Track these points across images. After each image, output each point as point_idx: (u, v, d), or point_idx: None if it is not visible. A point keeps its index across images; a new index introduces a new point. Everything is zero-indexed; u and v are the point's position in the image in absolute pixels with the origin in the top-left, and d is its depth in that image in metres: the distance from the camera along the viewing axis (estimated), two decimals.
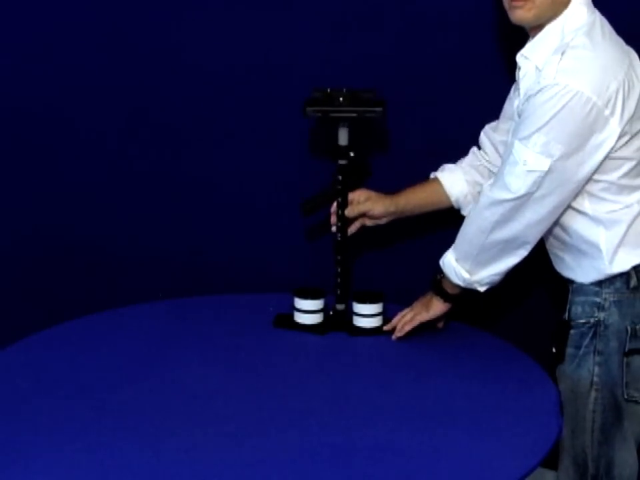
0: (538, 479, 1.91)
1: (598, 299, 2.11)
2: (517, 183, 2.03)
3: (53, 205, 2.70)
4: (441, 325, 2.32)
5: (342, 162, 2.35)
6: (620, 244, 2.08)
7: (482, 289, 2.18)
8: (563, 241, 2.15)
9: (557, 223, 2.11)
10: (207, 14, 2.54)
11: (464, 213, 2.34)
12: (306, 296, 2.35)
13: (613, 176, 2.05)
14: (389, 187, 2.40)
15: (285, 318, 2.37)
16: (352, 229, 2.40)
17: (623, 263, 2.08)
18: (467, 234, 2.15)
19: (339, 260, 2.38)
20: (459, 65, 2.50)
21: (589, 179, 2.04)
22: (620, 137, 2.01)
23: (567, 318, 2.15)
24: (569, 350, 2.13)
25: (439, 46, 2.49)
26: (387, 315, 2.33)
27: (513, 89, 2.24)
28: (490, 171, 2.34)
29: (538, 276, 2.40)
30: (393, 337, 2.28)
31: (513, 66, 2.17)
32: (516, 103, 2.15)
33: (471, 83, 2.50)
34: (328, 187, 2.38)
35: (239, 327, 2.36)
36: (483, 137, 2.37)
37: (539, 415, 1.97)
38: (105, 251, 2.72)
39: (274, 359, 2.21)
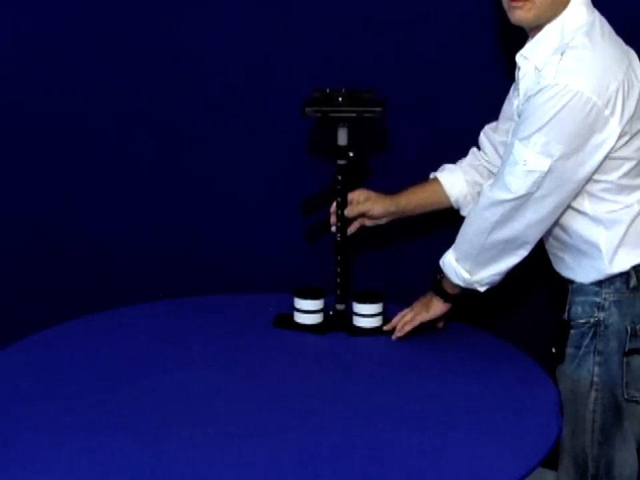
0: (538, 478, 1.91)
1: (598, 299, 2.11)
2: (517, 183, 2.03)
3: (53, 205, 2.70)
4: (440, 325, 2.32)
5: (341, 162, 2.35)
6: (620, 244, 2.08)
7: (482, 289, 2.18)
8: (563, 241, 2.15)
9: (556, 223, 2.11)
10: (207, 14, 2.54)
11: (463, 213, 2.34)
12: (306, 296, 2.35)
13: (613, 176, 2.05)
14: (389, 187, 2.40)
15: (285, 318, 2.37)
16: (351, 228, 2.40)
17: (622, 263, 2.08)
18: (466, 234, 2.15)
19: (339, 260, 2.38)
20: (459, 65, 2.50)
21: (588, 179, 2.04)
22: (620, 137, 2.01)
23: (566, 318, 2.15)
24: (569, 350, 2.13)
25: (438, 46, 2.49)
26: (387, 315, 2.33)
27: (512, 89, 2.24)
28: (489, 171, 2.34)
29: (538, 276, 2.40)
30: (393, 337, 2.28)
31: (513, 66, 2.17)
32: (515, 103, 2.15)
33: (471, 83, 2.50)
34: (327, 187, 2.38)
35: (239, 327, 2.36)
36: (482, 138, 2.37)
37: (539, 415, 1.97)
38: (105, 250, 2.72)
39: (274, 359, 2.21)
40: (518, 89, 2.14)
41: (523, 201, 2.04)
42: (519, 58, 2.12)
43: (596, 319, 2.10)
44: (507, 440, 1.88)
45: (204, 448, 1.83)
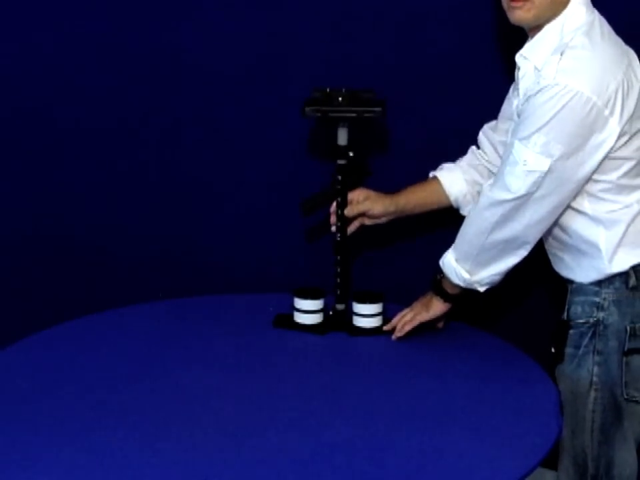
0: (538, 478, 1.91)
1: (597, 299, 2.11)
2: (516, 183, 2.03)
3: (53, 205, 2.70)
4: (440, 325, 2.32)
5: (341, 162, 2.35)
6: (619, 244, 2.08)
7: (482, 289, 2.18)
8: (563, 241, 2.15)
9: (556, 223, 2.11)
10: (207, 14, 2.54)
11: (463, 212, 2.34)
12: (306, 296, 2.35)
13: (613, 176, 2.05)
14: (389, 187, 2.40)
15: (285, 318, 2.37)
16: (351, 228, 2.40)
17: (622, 263, 2.08)
18: (466, 234, 2.15)
19: (339, 260, 2.38)
20: (458, 65, 2.50)
21: (588, 179, 2.04)
22: (619, 137, 2.01)
23: (566, 318, 2.15)
24: (569, 350, 2.13)
25: (438, 46, 2.49)
26: (386, 315, 2.33)
27: (511, 89, 2.24)
28: (489, 170, 2.34)
29: (538, 276, 2.40)
30: (393, 336, 2.28)
31: (512, 66, 2.17)
32: (515, 103, 2.15)
33: (471, 83, 2.50)
34: (327, 187, 2.38)
35: (239, 327, 2.36)
36: (481, 137, 2.37)
37: (539, 415, 1.97)
38: (105, 250, 2.72)
39: (274, 359, 2.21)
40: (517, 89, 2.14)
41: (522, 201, 2.04)
42: (518, 58, 2.12)
43: (595, 318, 2.10)
44: (507, 440, 1.88)
45: (204, 448, 1.83)
